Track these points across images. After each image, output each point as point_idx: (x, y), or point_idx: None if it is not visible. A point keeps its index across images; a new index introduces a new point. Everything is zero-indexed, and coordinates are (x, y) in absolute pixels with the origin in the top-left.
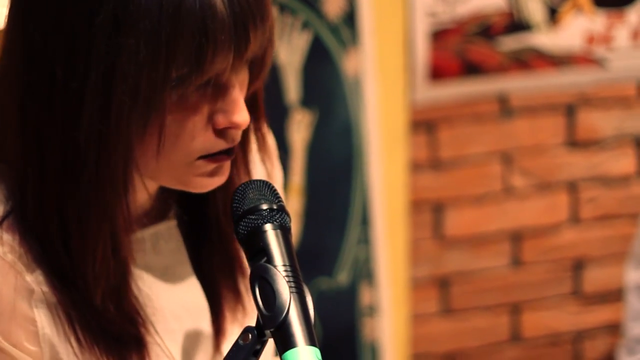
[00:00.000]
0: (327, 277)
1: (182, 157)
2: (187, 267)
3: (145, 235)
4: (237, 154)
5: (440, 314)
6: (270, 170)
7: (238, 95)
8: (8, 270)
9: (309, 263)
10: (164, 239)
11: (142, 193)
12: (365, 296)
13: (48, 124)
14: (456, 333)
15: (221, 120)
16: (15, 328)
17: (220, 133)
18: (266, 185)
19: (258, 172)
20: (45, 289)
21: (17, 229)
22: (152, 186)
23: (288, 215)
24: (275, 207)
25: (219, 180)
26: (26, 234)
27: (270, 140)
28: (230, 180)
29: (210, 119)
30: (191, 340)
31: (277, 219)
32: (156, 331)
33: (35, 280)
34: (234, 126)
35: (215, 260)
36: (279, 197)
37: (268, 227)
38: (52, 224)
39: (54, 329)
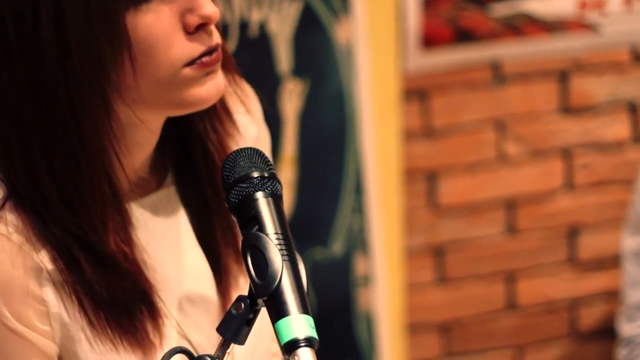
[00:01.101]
0: (322, 247)
1: (166, 71)
2: (189, 233)
3: (145, 203)
4: (221, 117)
5: (435, 283)
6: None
7: None
8: (17, 251)
9: (302, 233)
10: (164, 205)
11: (139, 155)
12: (359, 266)
13: (14, 83)
14: (451, 302)
15: (190, 20)
16: (26, 309)
17: (196, 36)
18: (257, 153)
19: (250, 134)
20: (51, 267)
21: (19, 209)
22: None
23: (279, 182)
24: (266, 174)
25: (215, 88)
26: (28, 212)
27: (254, 102)
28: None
29: (181, 22)
30: (195, 307)
31: (269, 186)
32: (162, 300)
33: (42, 259)
34: (206, 20)
35: (215, 226)
36: (270, 164)
37: (259, 195)
38: (46, 185)
39: (63, 308)
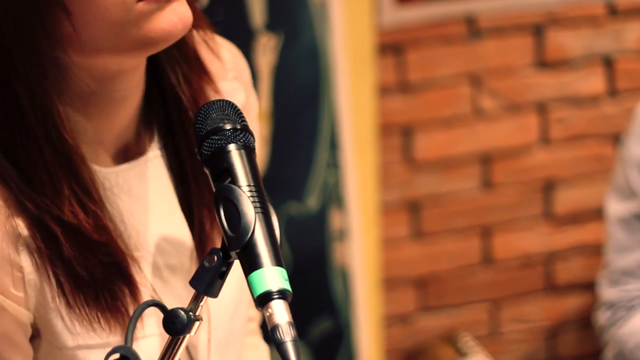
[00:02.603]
0: (297, 201)
1: (117, 11)
2: (173, 199)
3: (130, 169)
4: (197, 70)
5: (411, 238)
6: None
7: None
8: None
9: (277, 188)
10: (149, 171)
11: (118, 118)
12: (335, 220)
13: None
14: (427, 256)
15: None
16: (2, 274)
17: None
18: (229, 105)
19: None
20: (26, 234)
21: None
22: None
23: (252, 135)
24: (238, 127)
25: (177, 17)
26: (4, 184)
27: (244, 68)
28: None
29: None
30: (175, 275)
31: (241, 138)
32: (139, 267)
33: (19, 225)
34: None
35: (199, 188)
36: (243, 117)
37: (232, 147)
38: (7, 160)
39: (38, 275)
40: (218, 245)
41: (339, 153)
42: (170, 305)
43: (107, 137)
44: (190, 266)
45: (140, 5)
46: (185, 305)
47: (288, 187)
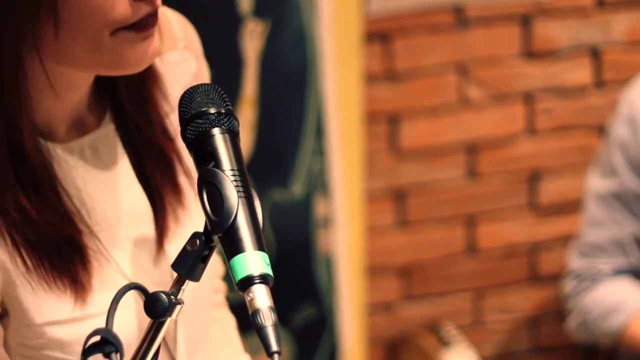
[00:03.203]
0: (282, 188)
1: (99, 33)
2: (129, 170)
3: (84, 143)
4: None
5: (396, 226)
6: (198, 69)
7: None
8: None
9: (262, 174)
10: (103, 144)
11: (72, 96)
12: (320, 207)
13: None
14: (412, 245)
15: None
16: None
17: None
18: (214, 89)
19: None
20: None
21: None
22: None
23: (236, 119)
24: (223, 111)
25: (151, 53)
26: None
27: (193, 37)
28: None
29: None
30: (136, 246)
31: (225, 123)
32: (100, 240)
33: None
34: None
35: (153, 158)
36: (227, 101)
37: (216, 131)
38: None
39: (2, 252)
40: (179, 214)
41: (324, 140)
42: (135, 278)
43: (60, 114)
44: (152, 237)
45: (122, 33)
46: (148, 275)
47: (273, 173)
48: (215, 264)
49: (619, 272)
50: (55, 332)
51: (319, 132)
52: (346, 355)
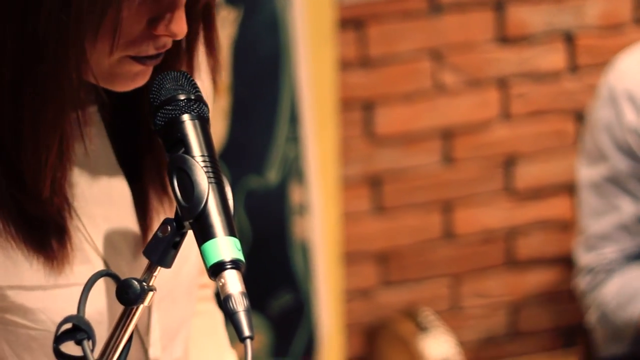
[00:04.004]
0: (257, 175)
1: (116, 54)
2: (110, 153)
3: None
4: (182, 60)
5: (372, 213)
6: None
7: (180, 5)
8: None
9: (237, 161)
10: (86, 124)
11: None
12: (295, 194)
13: (7, 18)
14: (388, 231)
15: (160, 28)
16: None
17: (155, 37)
18: (183, 76)
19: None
20: None
21: None
22: None
23: (206, 105)
24: (193, 97)
25: (141, 82)
26: None
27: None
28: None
29: (151, 24)
30: (114, 228)
31: (195, 109)
32: (78, 216)
33: None
34: (171, 35)
35: (137, 146)
36: (197, 87)
37: (186, 117)
38: (4, 128)
39: None
40: (160, 198)
41: (299, 127)
42: (114, 263)
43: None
44: (131, 221)
45: (128, 60)
46: (127, 261)
47: (248, 160)
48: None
49: (630, 257)
50: (19, 297)
51: (293, 119)
52: (324, 342)
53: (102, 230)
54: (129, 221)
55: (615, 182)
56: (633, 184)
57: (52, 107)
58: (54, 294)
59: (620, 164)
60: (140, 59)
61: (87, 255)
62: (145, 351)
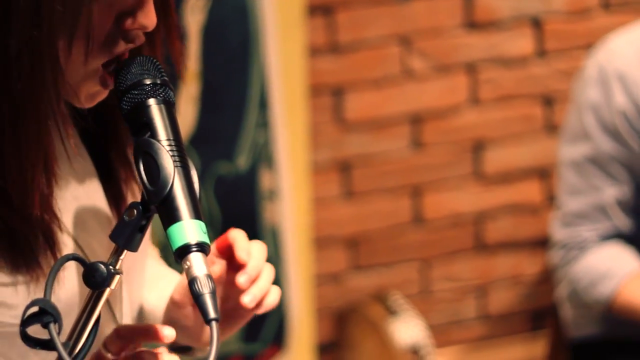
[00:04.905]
0: (226, 161)
1: (91, 63)
2: (78, 140)
3: None
4: (144, 50)
5: (342, 197)
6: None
7: None
8: None
9: (207, 147)
10: (69, 137)
11: None
12: (265, 180)
13: None
14: (358, 216)
15: (130, 22)
16: None
17: (124, 33)
18: (149, 61)
19: None
20: None
21: None
22: None
23: (172, 90)
24: (158, 81)
25: (101, 98)
26: None
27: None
28: None
29: (120, 19)
30: (91, 220)
31: (161, 93)
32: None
33: None
34: (142, 28)
35: (105, 133)
36: (163, 72)
37: (151, 101)
38: None
39: None
40: (131, 186)
41: (268, 113)
42: (91, 251)
43: None
44: (103, 209)
45: (99, 71)
46: (95, 237)
47: (218, 146)
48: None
49: (604, 238)
50: (1, 294)
51: (263, 105)
52: (294, 327)
53: (83, 228)
54: (104, 212)
55: (597, 163)
56: (615, 167)
57: (33, 125)
58: (37, 288)
59: (604, 145)
60: (107, 68)
61: (68, 247)
62: (116, 323)
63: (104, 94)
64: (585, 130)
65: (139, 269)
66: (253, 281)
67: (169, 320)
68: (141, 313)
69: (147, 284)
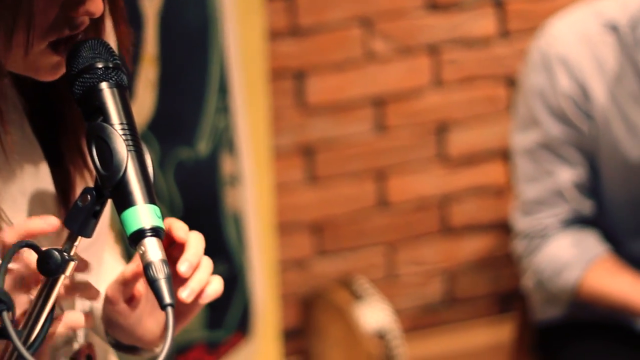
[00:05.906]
0: (186, 146)
1: (35, 47)
2: (26, 125)
3: None
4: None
5: (305, 182)
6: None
7: None
8: None
9: (166, 133)
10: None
11: None
12: (226, 165)
13: None
14: (322, 201)
15: (76, 9)
16: None
17: (70, 20)
18: (101, 44)
19: None
20: None
21: None
22: None
23: (125, 73)
24: (111, 65)
25: (59, 73)
26: None
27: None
28: None
29: (65, 6)
30: (32, 203)
31: (113, 77)
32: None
33: None
34: (89, 14)
35: (54, 116)
36: (115, 55)
37: (104, 85)
38: None
39: None
40: (80, 168)
41: (229, 97)
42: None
43: None
44: (48, 190)
45: (48, 50)
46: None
47: (177, 132)
48: None
49: (566, 223)
50: None
51: (223, 90)
52: (259, 313)
53: (23, 210)
54: (49, 194)
55: (548, 148)
56: (567, 150)
57: None
58: None
59: (554, 129)
60: (56, 48)
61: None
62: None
63: (57, 76)
64: (533, 117)
65: (95, 263)
66: (195, 269)
67: (105, 319)
68: (92, 309)
69: (102, 281)
